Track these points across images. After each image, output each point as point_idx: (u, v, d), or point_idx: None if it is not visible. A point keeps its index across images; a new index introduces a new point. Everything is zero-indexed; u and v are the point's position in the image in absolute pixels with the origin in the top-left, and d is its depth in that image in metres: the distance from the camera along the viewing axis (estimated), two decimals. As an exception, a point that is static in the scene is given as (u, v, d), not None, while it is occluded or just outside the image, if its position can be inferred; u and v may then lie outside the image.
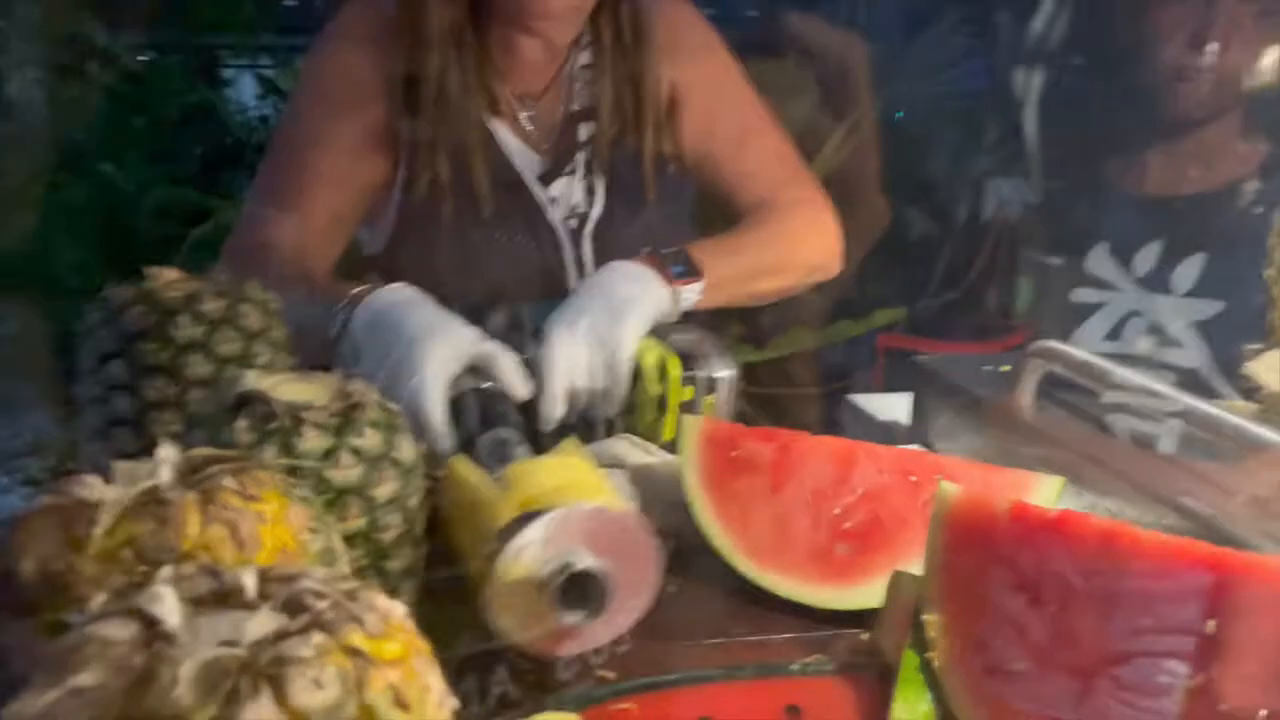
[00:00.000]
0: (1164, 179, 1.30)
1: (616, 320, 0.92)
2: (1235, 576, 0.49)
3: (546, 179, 1.11)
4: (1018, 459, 0.90)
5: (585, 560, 0.56)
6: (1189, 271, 1.19)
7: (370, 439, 0.60)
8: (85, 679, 0.30)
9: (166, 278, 0.76)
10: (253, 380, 0.59)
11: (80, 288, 3.38)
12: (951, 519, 0.60)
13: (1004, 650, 0.56)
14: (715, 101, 1.15)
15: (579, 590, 0.56)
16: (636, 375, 0.93)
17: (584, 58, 1.12)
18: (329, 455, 0.58)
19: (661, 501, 0.82)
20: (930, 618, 0.59)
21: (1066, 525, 0.56)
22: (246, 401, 0.58)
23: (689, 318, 1.03)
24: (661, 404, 0.93)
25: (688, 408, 0.92)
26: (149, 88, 3.66)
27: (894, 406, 1.19)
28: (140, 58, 3.65)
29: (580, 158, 1.12)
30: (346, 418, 0.59)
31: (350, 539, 0.58)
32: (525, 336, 0.92)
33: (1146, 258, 1.22)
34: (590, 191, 1.12)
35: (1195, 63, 1.20)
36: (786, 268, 1.15)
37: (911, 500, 0.74)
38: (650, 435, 0.94)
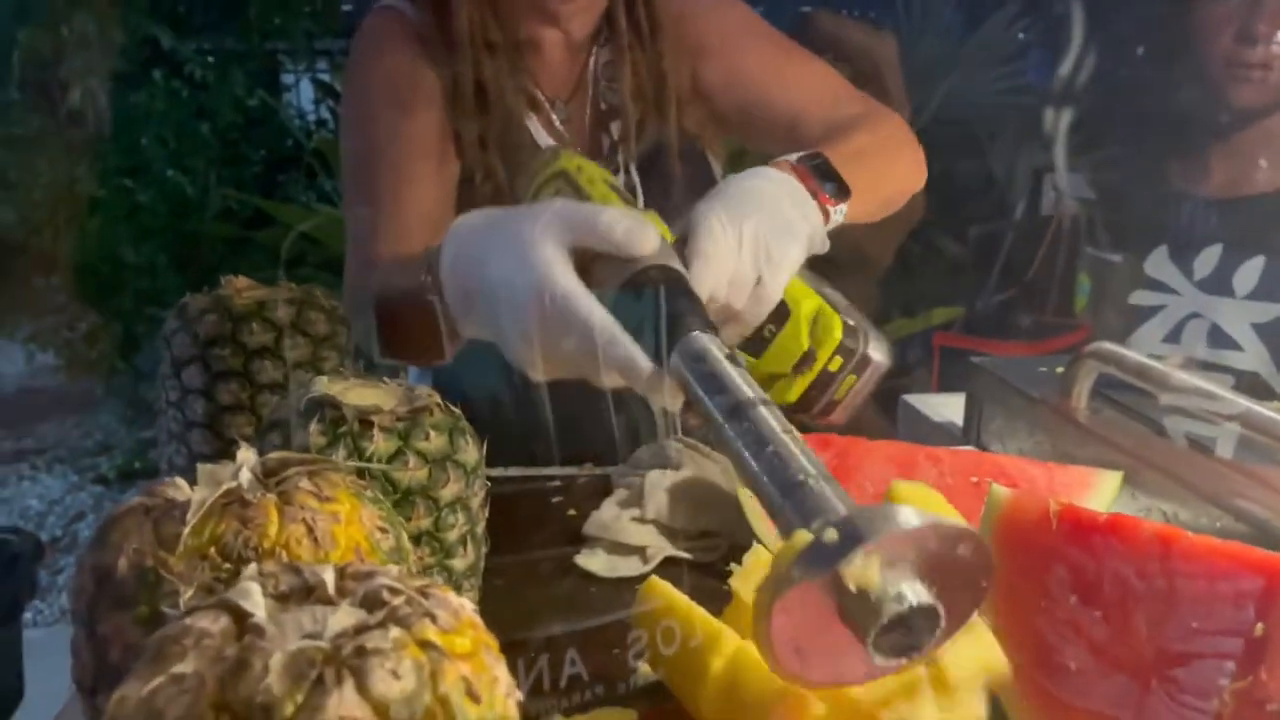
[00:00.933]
0: (1226, 179, 1.28)
1: (781, 239, 0.75)
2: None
3: None
4: (1072, 461, 0.90)
5: (919, 595, 0.44)
6: (1250, 273, 1.17)
7: (434, 441, 0.62)
8: (184, 667, 0.32)
9: (238, 285, 0.80)
10: (323, 386, 0.62)
11: (148, 289, 3.49)
12: (1003, 522, 0.61)
13: (1055, 650, 0.57)
14: (737, 44, 1.13)
15: (899, 627, 0.44)
16: (779, 316, 0.78)
17: (605, 55, 1.14)
18: (396, 457, 0.60)
19: (715, 501, 0.84)
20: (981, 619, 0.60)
21: (1118, 528, 0.57)
22: (318, 406, 0.60)
23: None
24: (804, 362, 0.78)
25: (826, 379, 0.78)
26: (213, 94, 3.75)
27: (949, 407, 1.20)
28: (204, 64, 3.73)
29: (620, 158, 1.14)
30: (412, 421, 0.62)
31: (416, 538, 0.60)
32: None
33: (1207, 260, 1.21)
34: (632, 191, 1.14)
35: (1246, 57, 1.19)
36: (896, 169, 1.03)
37: (975, 503, 0.74)
38: (769, 388, 0.78)
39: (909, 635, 0.44)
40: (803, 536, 0.45)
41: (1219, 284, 1.20)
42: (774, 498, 0.51)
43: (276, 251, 3.27)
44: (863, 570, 0.43)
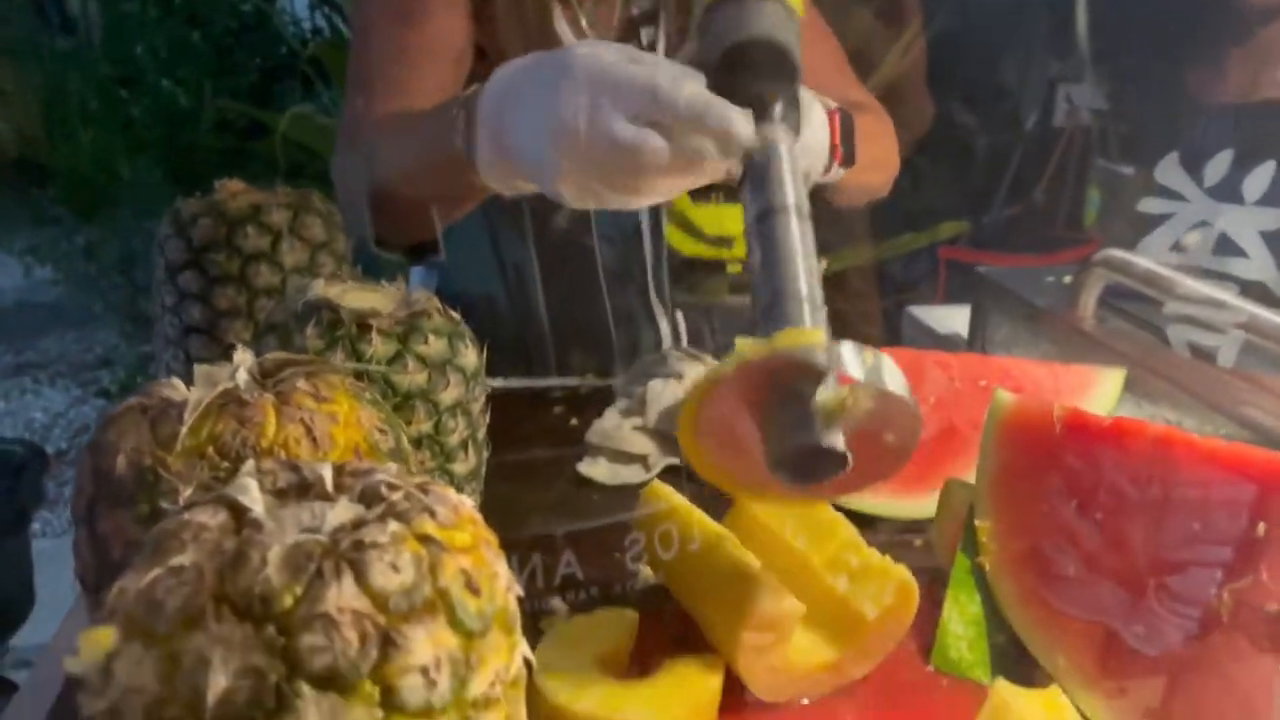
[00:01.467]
0: (1243, 83, 1.25)
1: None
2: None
3: None
4: (1077, 370, 0.90)
5: (838, 443, 0.45)
6: (1260, 179, 1.15)
7: (434, 345, 0.61)
8: (182, 559, 0.32)
9: (232, 189, 0.78)
10: (320, 289, 0.61)
11: (144, 202, 3.45)
12: (1005, 426, 0.61)
13: (1054, 555, 0.57)
14: None
15: (809, 458, 0.45)
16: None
17: None
18: (394, 361, 0.60)
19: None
20: (982, 523, 0.60)
21: (1120, 432, 0.56)
22: (315, 309, 0.59)
23: None
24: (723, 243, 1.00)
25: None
26: (206, 1, 3.66)
27: (954, 318, 1.19)
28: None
29: None
30: (410, 325, 0.61)
31: (416, 442, 0.60)
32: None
33: (1218, 167, 1.18)
34: None
35: None
36: (882, 164, 1.04)
37: (982, 406, 0.73)
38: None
39: (809, 468, 0.45)
40: (815, 334, 0.47)
41: (1228, 190, 1.18)
42: (761, 303, 0.50)
43: (274, 163, 3.22)
44: (840, 395, 0.45)
